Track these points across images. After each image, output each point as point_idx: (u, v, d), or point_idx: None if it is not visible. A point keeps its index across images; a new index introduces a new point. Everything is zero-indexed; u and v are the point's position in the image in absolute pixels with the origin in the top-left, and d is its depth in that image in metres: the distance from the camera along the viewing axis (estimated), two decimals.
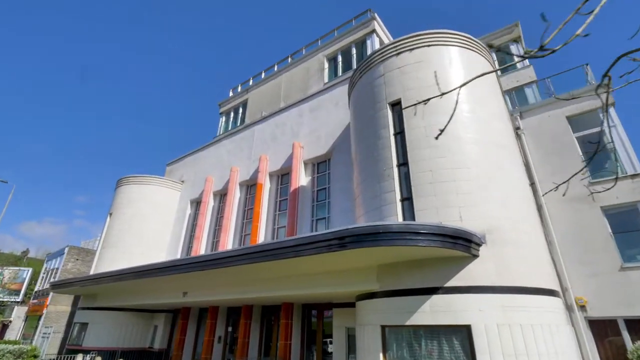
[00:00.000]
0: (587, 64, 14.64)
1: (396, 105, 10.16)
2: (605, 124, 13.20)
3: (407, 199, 8.88)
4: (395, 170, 9.32)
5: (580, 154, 13.01)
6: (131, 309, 18.16)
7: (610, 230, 11.32)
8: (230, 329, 15.70)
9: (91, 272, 19.23)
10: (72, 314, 22.89)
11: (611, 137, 13.03)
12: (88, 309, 18.10)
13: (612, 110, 13.29)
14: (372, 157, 10.05)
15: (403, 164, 9.37)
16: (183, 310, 16.77)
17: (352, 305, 11.50)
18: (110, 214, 20.92)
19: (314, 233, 7.65)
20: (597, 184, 12.16)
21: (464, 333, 7.17)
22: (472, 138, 9.00)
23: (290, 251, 7.97)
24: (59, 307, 23.63)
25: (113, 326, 17.66)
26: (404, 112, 9.71)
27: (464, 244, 7.14)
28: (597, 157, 13.73)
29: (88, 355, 12.41)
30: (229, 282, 12.16)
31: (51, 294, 22.73)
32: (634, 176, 11.80)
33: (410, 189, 8.89)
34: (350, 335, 11.33)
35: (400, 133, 9.78)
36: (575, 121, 13.70)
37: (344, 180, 13.76)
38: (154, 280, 12.97)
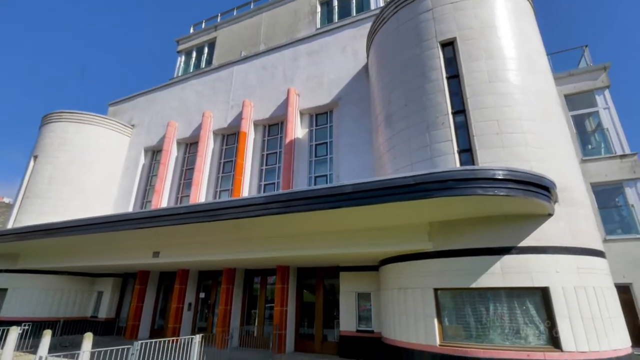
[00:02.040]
0: (586, 46, 14.98)
1: (448, 46, 8.92)
2: (599, 105, 13.70)
3: (466, 151, 7.86)
4: (450, 117, 8.19)
5: (575, 131, 13.35)
6: (66, 272, 14.90)
7: (597, 205, 11.87)
8: (202, 294, 13.67)
9: (9, 227, 15.22)
10: None
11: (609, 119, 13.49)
12: (5, 271, 14.37)
13: (606, 93, 13.73)
14: (418, 103, 8.76)
15: (458, 111, 8.28)
16: (140, 274, 14.16)
17: (363, 269, 10.51)
18: (35, 157, 16.67)
19: (385, 177, 6.23)
20: (589, 161, 12.63)
21: (539, 296, 6.54)
22: (536, 90, 8.20)
23: (346, 199, 6.45)
24: None
25: (43, 293, 14.31)
26: (461, 53, 8.52)
27: (547, 194, 6.35)
28: (589, 136, 14.33)
29: (20, 328, 9.57)
30: (216, 240, 10.17)
31: None
32: (622, 156, 12.38)
33: (470, 140, 7.87)
34: (360, 301, 10.33)
35: (454, 77, 8.61)
36: (571, 100, 14.02)
37: (353, 135, 12.33)
38: (111, 237, 10.35)
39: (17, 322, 13.11)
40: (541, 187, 6.15)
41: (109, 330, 14.83)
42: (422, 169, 8.02)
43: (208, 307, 13.23)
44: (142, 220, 8.88)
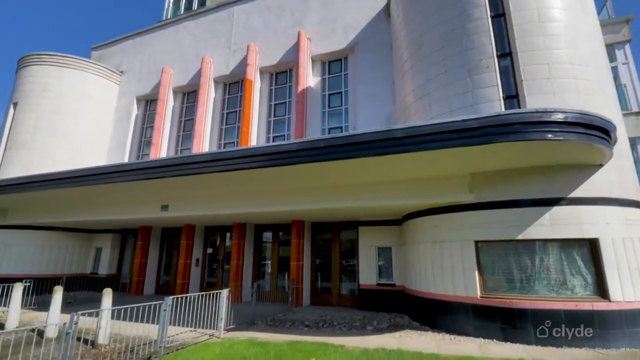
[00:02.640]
0: None
1: None
2: (618, 59, 13.23)
3: (512, 97, 7.31)
4: (496, 60, 7.54)
5: None
6: (61, 228, 14.13)
7: None
8: (210, 250, 13.28)
9: None
10: None
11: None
12: None
13: (627, 47, 13.22)
14: (457, 46, 8.01)
15: (503, 54, 7.61)
16: (142, 230, 13.55)
17: (383, 223, 10.24)
18: (15, 104, 15.14)
19: (444, 121, 5.65)
20: None
21: (587, 247, 6.38)
22: (587, 32, 7.59)
23: (397, 144, 5.88)
24: None
25: (38, 249, 13.59)
26: None
27: (609, 140, 5.97)
28: None
29: (22, 283, 8.95)
30: (231, 192, 9.55)
31: None
32: (638, 114, 12.17)
33: (516, 86, 7.30)
34: (380, 254, 10.17)
35: (499, 16, 7.84)
36: None
37: (371, 84, 11.53)
38: (112, 190, 9.58)
39: (14, 280, 12.47)
40: (605, 132, 5.74)
41: (110, 287, 14.38)
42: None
43: (217, 262, 12.89)
44: (153, 170, 8.08)
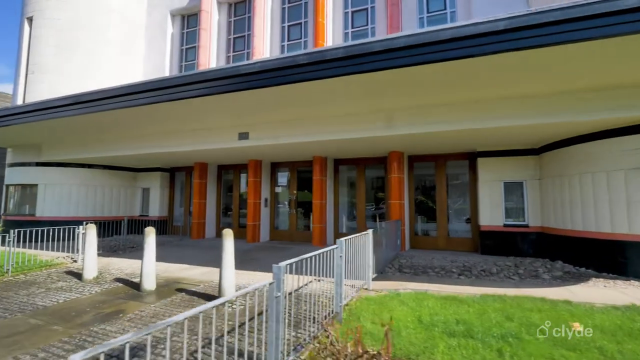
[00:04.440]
0: None
1: None
2: None
3: None
4: None
5: None
6: (102, 166, 12.43)
7: None
8: (278, 189, 11.63)
9: None
10: None
11: None
12: (29, 164, 11.76)
13: None
14: None
15: None
16: (198, 167, 11.80)
17: (510, 154, 8.37)
18: (30, 20, 12.60)
19: None
20: None
21: None
22: None
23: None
24: None
25: (82, 189, 12.01)
26: None
27: None
28: None
29: (80, 227, 7.43)
30: (330, 114, 7.55)
31: None
32: None
33: None
34: (508, 191, 8.43)
35: None
36: None
37: None
38: (171, 113, 7.61)
39: (58, 223, 11.08)
40: None
41: (163, 230, 13.08)
42: None
43: (289, 202, 11.29)
44: (248, 77, 5.97)
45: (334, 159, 10.61)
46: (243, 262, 7.66)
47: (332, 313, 3.95)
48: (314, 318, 3.67)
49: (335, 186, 10.57)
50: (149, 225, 12.54)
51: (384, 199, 10.16)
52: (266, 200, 11.30)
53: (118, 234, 12.46)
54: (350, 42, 5.38)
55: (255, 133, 8.36)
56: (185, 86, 6.40)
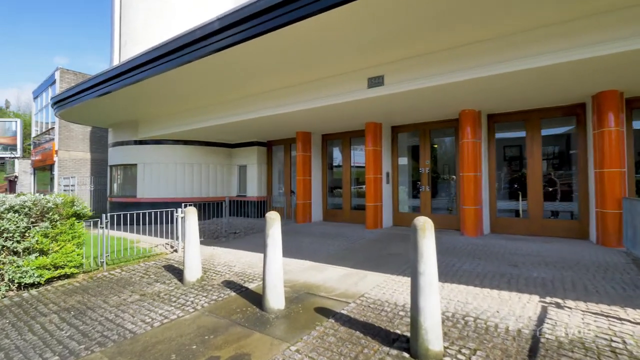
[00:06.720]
0: None
1: None
2: None
3: None
4: None
5: None
6: (197, 142, 11.28)
7: None
8: (402, 161, 9.09)
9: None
10: (95, 162, 16.22)
11: None
12: (127, 143, 11.09)
13: None
14: None
15: None
16: (302, 137, 9.82)
17: None
18: None
19: None
20: None
21: None
22: None
23: None
24: (72, 153, 16.71)
25: (180, 168, 11.03)
26: None
27: None
28: None
29: (179, 210, 6.04)
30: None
31: (57, 136, 15.40)
32: None
33: None
34: None
35: None
36: None
37: None
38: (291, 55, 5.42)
39: (157, 204, 10.17)
40: None
41: (261, 212, 11.58)
42: None
43: (421, 176, 8.65)
44: None
45: (488, 114, 7.57)
46: (379, 260, 5.37)
47: None
48: None
49: (490, 153, 7.59)
50: (247, 207, 11.07)
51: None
52: (387, 175, 8.84)
53: (216, 217, 11.31)
54: None
55: (391, 76, 5.84)
56: None
